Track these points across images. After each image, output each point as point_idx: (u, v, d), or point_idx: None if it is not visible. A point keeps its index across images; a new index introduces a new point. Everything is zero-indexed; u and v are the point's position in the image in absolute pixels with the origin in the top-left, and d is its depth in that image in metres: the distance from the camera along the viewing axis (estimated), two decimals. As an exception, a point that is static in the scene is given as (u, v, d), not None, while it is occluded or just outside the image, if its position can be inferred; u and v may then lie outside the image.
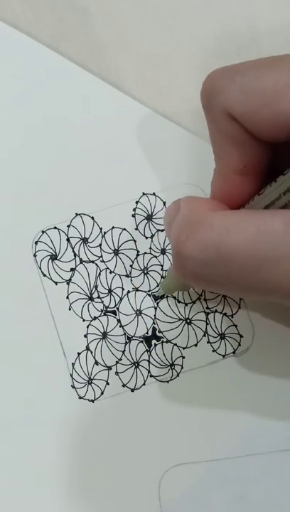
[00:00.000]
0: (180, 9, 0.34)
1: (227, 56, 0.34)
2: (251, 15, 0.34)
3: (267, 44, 0.34)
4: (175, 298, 0.33)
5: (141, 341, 0.33)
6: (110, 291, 0.33)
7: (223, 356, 0.33)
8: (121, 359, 0.33)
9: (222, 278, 0.24)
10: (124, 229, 0.33)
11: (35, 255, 0.33)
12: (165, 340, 0.33)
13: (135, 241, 0.33)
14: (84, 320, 0.33)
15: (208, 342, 0.33)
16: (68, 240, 0.33)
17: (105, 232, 0.33)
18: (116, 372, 0.33)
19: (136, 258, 0.33)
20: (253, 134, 0.25)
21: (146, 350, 0.33)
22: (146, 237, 0.33)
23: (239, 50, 0.34)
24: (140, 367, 0.33)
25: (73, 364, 0.33)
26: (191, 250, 0.24)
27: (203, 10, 0.34)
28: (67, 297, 0.33)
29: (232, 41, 0.34)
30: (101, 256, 0.33)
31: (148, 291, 0.33)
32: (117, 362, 0.33)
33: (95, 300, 0.33)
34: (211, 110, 0.25)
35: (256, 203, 0.26)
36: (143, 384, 0.32)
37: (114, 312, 0.33)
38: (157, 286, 0.33)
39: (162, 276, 0.33)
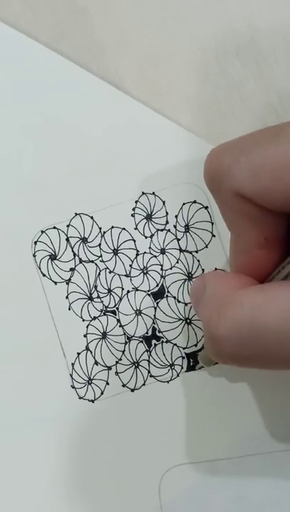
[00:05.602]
0: (180, 9, 0.34)
1: (227, 56, 0.34)
2: (250, 15, 0.34)
3: (267, 44, 0.34)
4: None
5: (141, 341, 0.33)
6: (110, 291, 0.33)
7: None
8: (121, 359, 0.33)
9: (260, 355, 0.24)
10: (124, 228, 0.33)
11: (34, 255, 0.33)
12: (165, 340, 0.33)
13: (134, 241, 0.33)
14: (83, 320, 0.33)
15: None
16: (68, 239, 0.33)
17: (104, 232, 0.33)
18: (116, 373, 0.32)
19: (136, 258, 0.33)
20: (268, 208, 0.24)
21: (146, 350, 0.33)
22: (146, 237, 0.33)
23: (239, 50, 0.34)
24: (140, 367, 0.32)
25: (73, 364, 0.32)
26: (224, 331, 0.24)
27: (203, 10, 0.34)
28: (67, 297, 0.33)
29: (232, 41, 0.34)
30: (101, 256, 0.33)
31: (148, 290, 0.33)
32: (117, 362, 0.33)
33: (95, 300, 0.33)
34: (219, 192, 0.25)
35: (284, 273, 0.25)
36: (143, 384, 0.32)
37: (113, 312, 0.33)
38: (156, 285, 0.33)
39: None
